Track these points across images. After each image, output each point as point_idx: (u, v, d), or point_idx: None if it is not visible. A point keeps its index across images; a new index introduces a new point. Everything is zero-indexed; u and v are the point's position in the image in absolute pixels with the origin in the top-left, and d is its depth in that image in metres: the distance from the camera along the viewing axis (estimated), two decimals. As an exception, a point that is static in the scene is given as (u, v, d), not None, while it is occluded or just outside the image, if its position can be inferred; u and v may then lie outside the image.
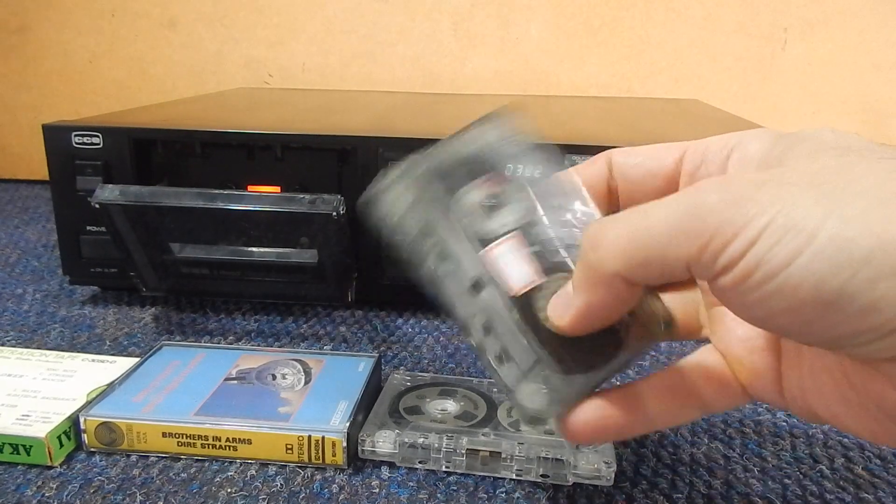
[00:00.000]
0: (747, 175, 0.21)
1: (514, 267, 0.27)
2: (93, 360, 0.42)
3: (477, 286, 0.27)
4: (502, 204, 0.28)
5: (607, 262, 0.23)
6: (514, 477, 0.34)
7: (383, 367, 0.44)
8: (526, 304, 0.26)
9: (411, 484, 0.34)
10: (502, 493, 0.33)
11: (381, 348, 0.48)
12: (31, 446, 0.34)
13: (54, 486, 0.33)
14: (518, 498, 0.33)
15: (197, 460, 0.35)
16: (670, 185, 0.28)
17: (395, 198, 0.28)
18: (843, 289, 0.19)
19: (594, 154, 0.48)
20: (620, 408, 0.27)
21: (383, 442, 0.35)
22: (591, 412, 0.27)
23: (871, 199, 0.19)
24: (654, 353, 0.49)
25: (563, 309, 0.25)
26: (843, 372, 0.23)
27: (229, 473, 0.34)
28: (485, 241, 0.27)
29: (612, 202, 0.29)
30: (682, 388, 0.27)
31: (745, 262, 0.20)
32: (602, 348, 0.26)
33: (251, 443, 0.34)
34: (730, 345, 0.27)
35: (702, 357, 0.28)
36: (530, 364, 0.26)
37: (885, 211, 0.18)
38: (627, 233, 0.22)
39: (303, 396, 0.38)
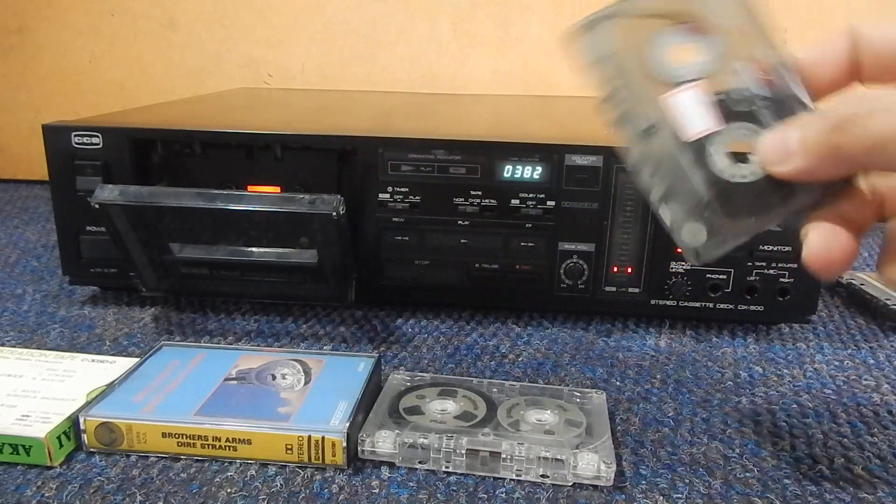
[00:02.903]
0: None
1: (691, 113, 0.28)
2: (92, 361, 0.42)
3: (650, 131, 0.28)
4: (696, 50, 0.29)
5: (849, 147, 0.23)
6: (514, 477, 0.34)
7: (383, 367, 0.44)
8: (699, 149, 0.28)
9: (411, 484, 0.34)
10: (502, 493, 0.33)
11: (381, 348, 0.48)
12: (30, 446, 0.34)
13: (54, 486, 0.33)
14: (518, 498, 0.33)
15: (197, 460, 0.35)
16: None
17: (600, 39, 0.29)
18: None
19: (593, 154, 0.49)
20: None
21: (383, 442, 0.35)
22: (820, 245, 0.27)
23: None
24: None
25: (779, 158, 0.26)
26: None
27: (229, 473, 0.34)
28: (669, 85, 0.28)
29: (849, 80, 0.28)
30: None
31: None
32: (769, 198, 0.28)
33: (251, 443, 0.34)
34: None
35: None
36: (694, 204, 0.28)
37: None
38: (883, 130, 0.22)
39: (303, 396, 0.38)
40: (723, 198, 0.28)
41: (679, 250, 0.29)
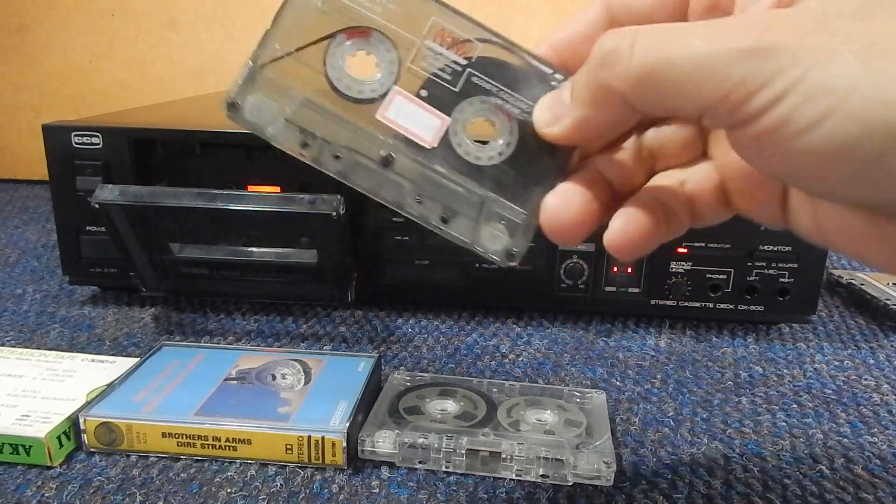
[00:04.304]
0: (785, 13, 0.19)
1: (416, 118, 0.25)
2: (92, 360, 0.42)
3: (387, 160, 0.25)
4: (376, 55, 0.25)
5: (618, 85, 0.21)
6: (514, 477, 0.34)
7: (383, 367, 0.44)
8: (446, 150, 0.25)
9: (411, 484, 0.34)
10: (502, 493, 0.33)
11: (381, 348, 0.48)
12: (30, 446, 0.34)
13: (54, 486, 0.33)
14: (518, 498, 0.33)
15: (197, 460, 0.35)
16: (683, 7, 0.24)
17: (254, 106, 0.25)
18: (875, 156, 0.17)
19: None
20: (603, 204, 0.25)
21: (383, 442, 0.35)
22: (574, 207, 0.24)
23: None
24: (654, 353, 0.49)
25: (555, 118, 0.24)
26: (868, 216, 0.21)
27: (229, 473, 0.34)
28: (371, 106, 0.25)
29: None
30: (666, 203, 0.25)
31: (769, 117, 0.18)
32: (539, 161, 0.25)
33: (251, 443, 0.34)
34: (728, 171, 0.25)
35: (693, 175, 0.26)
36: (476, 207, 0.26)
37: None
38: (646, 60, 0.20)
39: (303, 396, 0.38)
40: (497, 186, 0.26)
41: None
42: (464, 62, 0.25)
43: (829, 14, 0.18)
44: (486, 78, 0.26)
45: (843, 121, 0.17)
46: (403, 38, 0.25)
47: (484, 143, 0.26)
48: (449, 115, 0.25)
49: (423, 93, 0.25)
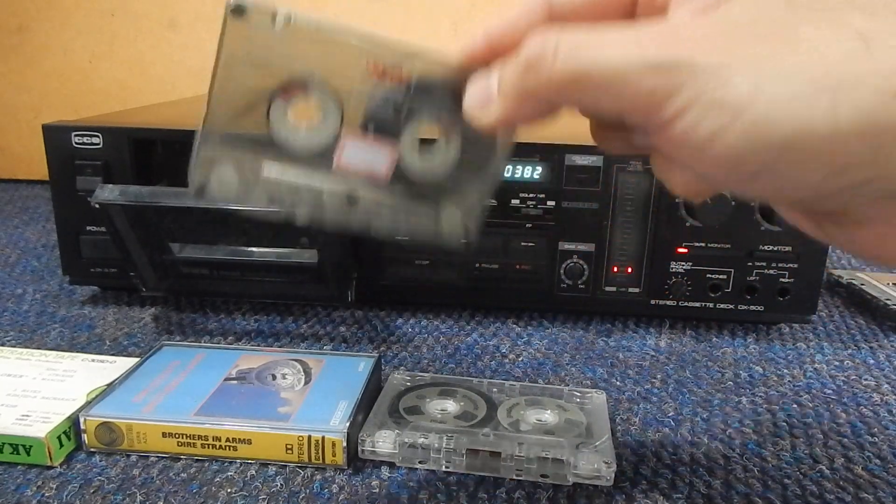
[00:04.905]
0: (700, 25, 0.21)
1: (369, 157, 0.27)
2: (92, 360, 0.42)
3: (352, 199, 0.27)
4: (315, 106, 0.27)
5: (540, 89, 0.23)
6: (514, 477, 0.34)
7: (383, 367, 0.44)
8: (401, 177, 0.27)
9: (411, 484, 0.34)
10: (502, 493, 0.33)
11: (381, 348, 0.48)
12: (30, 446, 0.34)
13: (54, 486, 0.33)
14: (518, 498, 0.33)
15: (197, 460, 0.35)
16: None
17: (219, 183, 0.26)
18: (764, 168, 0.19)
19: (594, 154, 0.49)
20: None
21: (383, 442, 0.35)
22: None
23: (806, 79, 0.18)
24: (654, 353, 0.49)
25: (484, 111, 0.25)
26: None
27: (229, 473, 0.34)
28: (325, 155, 0.27)
29: None
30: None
31: (672, 130, 0.20)
32: (487, 151, 0.28)
33: (251, 443, 0.34)
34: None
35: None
36: (434, 210, 0.28)
37: (815, 94, 0.18)
38: (566, 69, 0.22)
39: (303, 396, 0.38)
40: (451, 185, 0.28)
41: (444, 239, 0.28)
42: (400, 88, 0.27)
43: (735, 31, 0.20)
44: (422, 97, 0.27)
45: (736, 136, 0.19)
46: (338, 82, 0.26)
47: (434, 155, 0.28)
48: (398, 141, 0.27)
49: (370, 128, 0.27)
